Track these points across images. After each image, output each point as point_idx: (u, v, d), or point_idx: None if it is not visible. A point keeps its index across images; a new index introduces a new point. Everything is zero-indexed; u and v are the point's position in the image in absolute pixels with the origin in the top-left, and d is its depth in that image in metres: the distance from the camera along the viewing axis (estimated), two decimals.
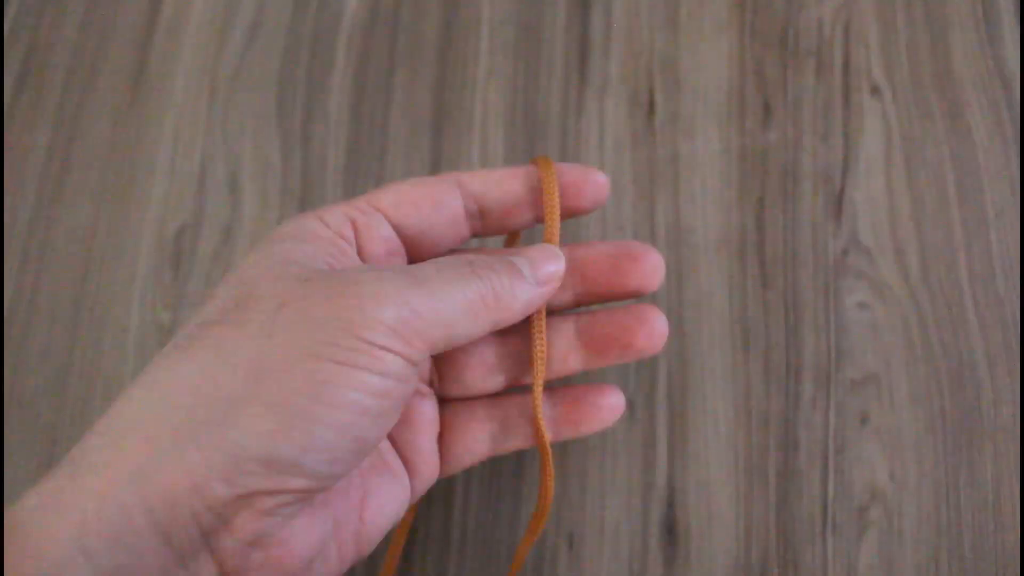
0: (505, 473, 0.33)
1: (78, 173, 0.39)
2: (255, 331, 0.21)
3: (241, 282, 0.23)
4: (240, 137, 0.39)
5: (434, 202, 0.27)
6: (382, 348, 0.21)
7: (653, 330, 0.28)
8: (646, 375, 0.34)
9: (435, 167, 0.38)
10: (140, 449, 0.20)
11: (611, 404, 0.29)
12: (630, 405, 0.33)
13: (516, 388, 0.30)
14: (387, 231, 0.27)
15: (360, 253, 0.26)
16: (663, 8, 0.39)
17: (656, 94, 0.38)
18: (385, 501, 0.26)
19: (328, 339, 0.21)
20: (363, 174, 0.38)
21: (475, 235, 0.29)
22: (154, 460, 0.20)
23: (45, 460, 0.34)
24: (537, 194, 0.28)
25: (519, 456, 0.33)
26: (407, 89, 0.39)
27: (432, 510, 0.33)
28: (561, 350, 0.29)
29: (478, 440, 0.29)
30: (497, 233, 0.29)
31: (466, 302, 0.23)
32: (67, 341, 0.36)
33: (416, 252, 0.28)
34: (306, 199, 0.37)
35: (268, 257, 0.24)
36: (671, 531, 0.32)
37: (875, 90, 0.37)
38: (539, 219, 0.29)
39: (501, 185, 0.28)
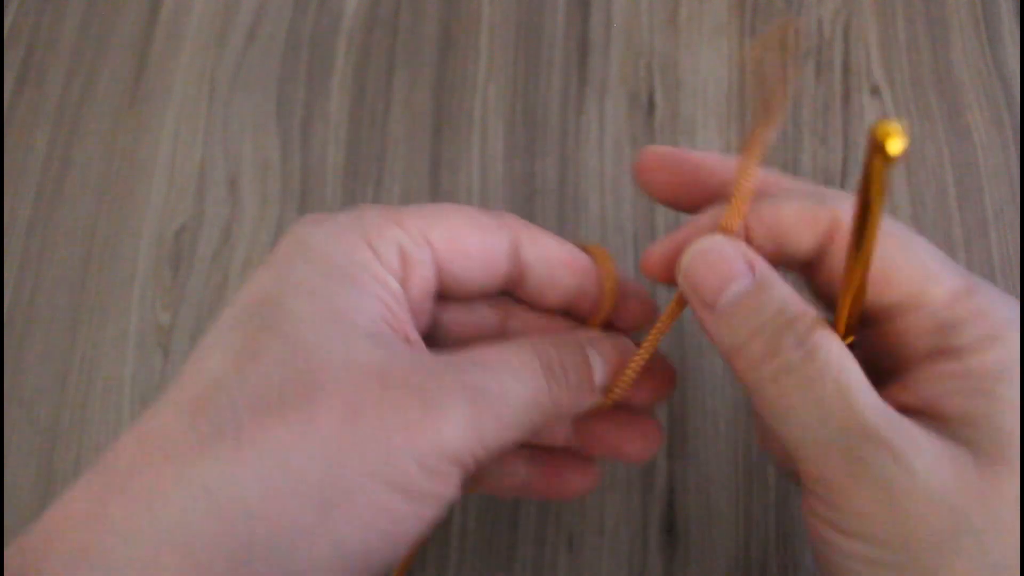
0: None
1: (78, 173, 0.39)
2: (323, 446, 0.19)
3: (298, 350, 0.20)
4: (240, 137, 0.39)
5: (487, 259, 0.24)
6: (446, 481, 0.21)
7: (647, 442, 0.26)
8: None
9: (435, 167, 0.38)
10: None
11: (585, 480, 0.27)
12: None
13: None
14: (429, 272, 0.23)
15: (403, 288, 0.23)
16: (663, 8, 0.39)
17: (656, 94, 0.38)
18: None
19: (402, 470, 0.19)
20: (363, 174, 0.38)
21: (504, 292, 0.26)
22: None
23: (45, 460, 0.34)
24: (584, 291, 0.25)
25: None
26: (407, 89, 0.39)
27: None
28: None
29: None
30: (527, 301, 0.26)
31: (530, 421, 0.22)
32: (67, 341, 0.36)
33: (444, 291, 0.25)
34: (306, 199, 0.37)
35: (329, 318, 0.20)
36: (671, 531, 0.32)
37: (875, 90, 0.37)
38: (573, 310, 0.26)
39: (555, 269, 0.24)
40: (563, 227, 0.36)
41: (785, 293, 0.21)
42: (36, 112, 0.40)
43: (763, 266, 0.21)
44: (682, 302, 0.23)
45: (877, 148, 0.16)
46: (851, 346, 0.21)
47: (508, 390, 0.21)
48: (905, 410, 0.20)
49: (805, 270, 0.23)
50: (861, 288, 0.20)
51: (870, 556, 0.19)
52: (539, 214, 0.36)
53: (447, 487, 0.21)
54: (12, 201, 0.38)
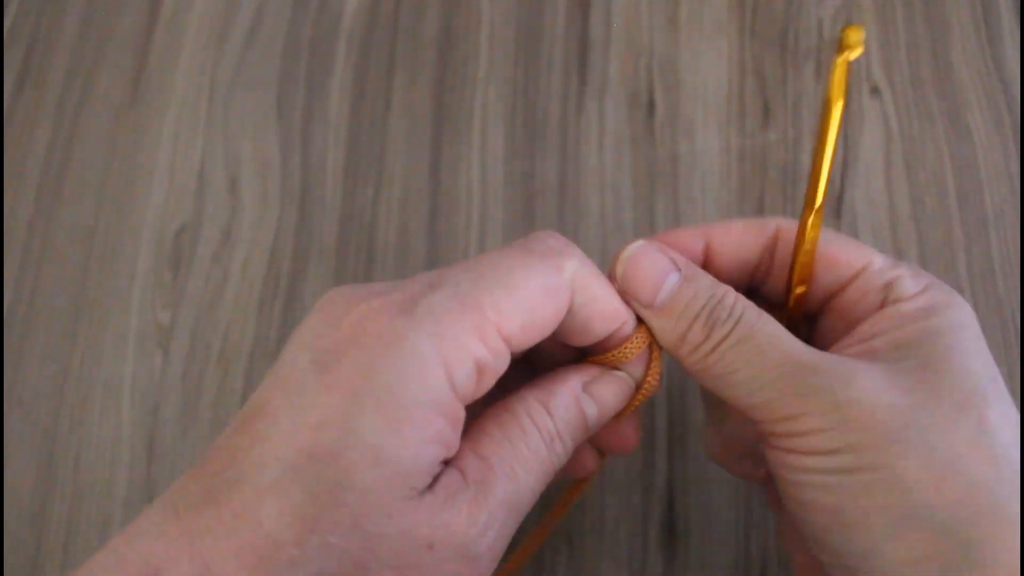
0: None
1: (78, 173, 0.39)
2: None
3: (356, 526, 0.19)
4: (240, 137, 0.39)
5: (551, 324, 0.23)
6: None
7: (624, 443, 0.27)
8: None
9: (435, 167, 0.37)
10: None
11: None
12: None
13: None
14: (503, 369, 0.22)
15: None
16: (663, 8, 0.39)
17: (656, 94, 0.38)
18: None
19: None
20: (363, 174, 0.38)
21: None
22: None
23: (45, 460, 0.34)
24: (608, 339, 0.24)
25: None
26: (407, 89, 0.39)
27: None
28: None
29: None
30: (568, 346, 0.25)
31: (540, 488, 0.23)
32: (67, 341, 0.36)
33: None
34: (306, 199, 0.37)
35: (387, 474, 0.20)
36: (671, 531, 0.32)
37: (875, 90, 0.37)
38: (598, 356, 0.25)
39: (595, 321, 0.24)
40: (563, 227, 0.36)
41: (709, 280, 0.24)
42: (36, 112, 0.40)
43: (684, 261, 0.24)
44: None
45: (842, 48, 0.22)
46: (805, 318, 0.26)
47: (526, 491, 0.22)
48: (849, 350, 0.23)
49: (756, 276, 0.27)
50: (814, 193, 0.24)
51: (828, 466, 0.21)
52: (539, 214, 0.36)
53: None
54: (12, 201, 0.38)
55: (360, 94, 0.39)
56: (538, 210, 0.36)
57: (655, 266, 0.24)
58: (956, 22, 0.37)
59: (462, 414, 0.21)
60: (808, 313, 0.26)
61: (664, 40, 0.38)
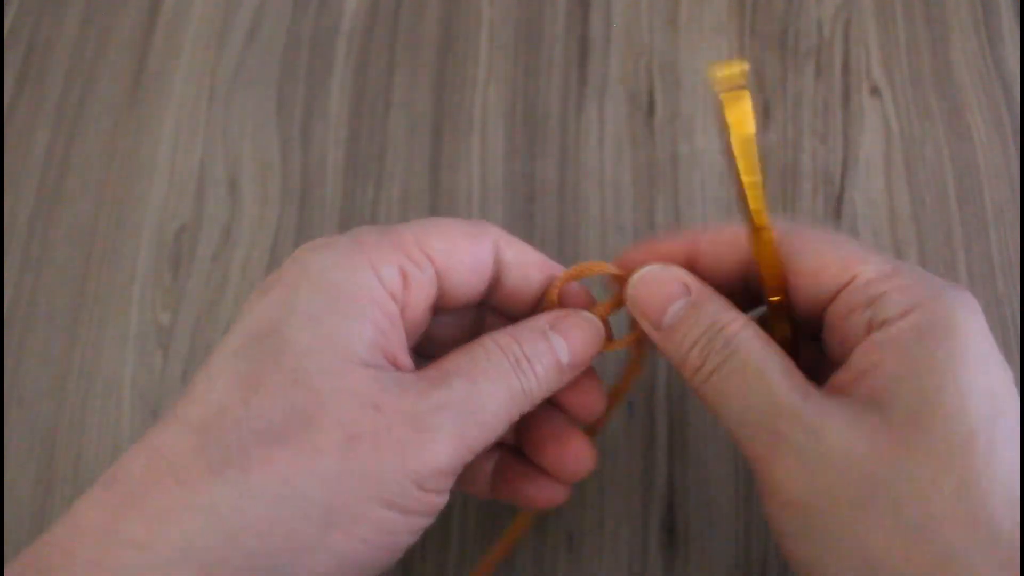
0: None
1: (78, 173, 0.39)
2: (324, 471, 0.20)
3: (300, 380, 0.21)
4: (240, 137, 0.39)
5: (480, 265, 0.25)
6: (437, 492, 0.22)
7: (578, 460, 0.27)
8: (646, 376, 0.34)
9: (435, 167, 0.37)
10: None
11: (542, 490, 0.27)
12: (630, 405, 0.33)
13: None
14: (432, 287, 0.25)
15: (402, 311, 0.25)
16: (663, 8, 0.39)
17: (656, 94, 0.38)
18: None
19: (397, 488, 0.21)
20: (363, 174, 0.38)
21: (481, 301, 0.27)
22: None
23: (45, 460, 0.34)
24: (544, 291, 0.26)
25: None
26: (407, 89, 0.39)
27: None
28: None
29: (480, 476, 0.28)
30: (499, 309, 0.27)
31: (508, 417, 0.23)
32: (67, 342, 0.36)
33: (438, 304, 0.26)
34: (306, 199, 0.37)
35: (328, 348, 0.22)
36: (671, 531, 0.32)
37: (875, 90, 0.37)
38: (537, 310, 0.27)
39: (529, 268, 0.26)
40: (563, 227, 0.36)
41: (717, 306, 0.24)
42: (36, 112, 0.40)
43: (698, 286, 0.24)
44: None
45: (718, 85, 0.21)
46: (796, 339, 0.25)
47: (487, 398, 0.23)
48: (844, 387, 0.22)
49: (751, 280, 0.26)
50: (752, 193, 0.23)
51: (798, 525, 0.21)
52: (539, 214, 0.36)
53: (441, 497, 0.23)
54: (12, 201, 0.38)
55: (360, 94, 0.39)
56: (538, 210, 0.36)
57: (662, 290, 0.24)
58: (956, 22, 0.37)
59: (394, 308, 0.23)
60: (810, 328, 0.25)
61: (664, 40, 0.38)
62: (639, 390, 0.33)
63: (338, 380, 0.21)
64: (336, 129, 0.39)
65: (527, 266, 0.26)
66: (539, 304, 0.27)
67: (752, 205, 0.23)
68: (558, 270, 0.27)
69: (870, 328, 0.22)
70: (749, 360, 0.23)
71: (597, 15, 0.39)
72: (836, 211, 0.35)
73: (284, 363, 0.21)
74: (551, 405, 0.27)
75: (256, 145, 0.39)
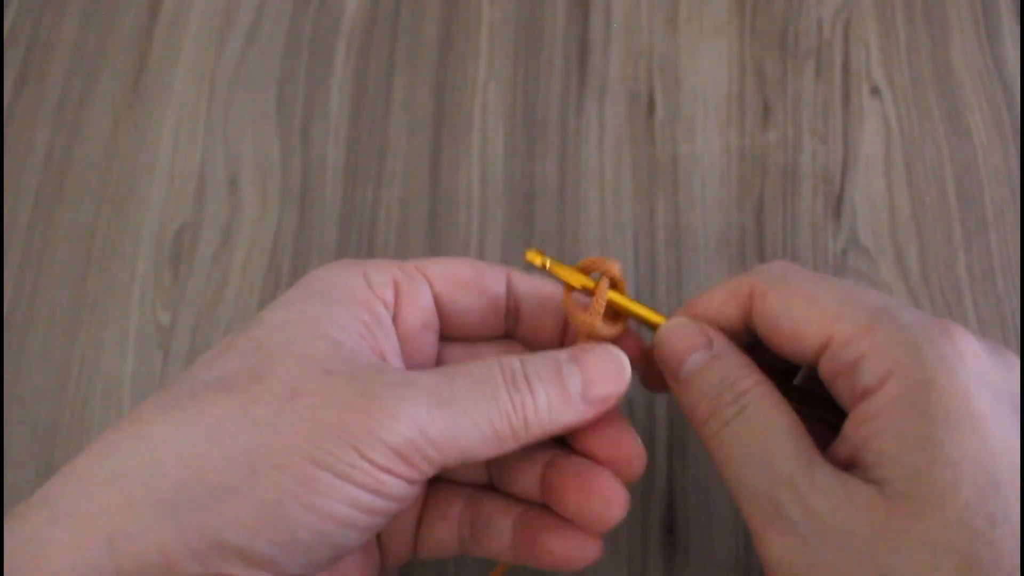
0: None
1: (78, 173, 0.39)
2: (261, 417, 0.21)
3: (262, 345, 0.22)
4: (240, 137, 0.39)
5: (481, 287, 0.26)
6: (383, 469, 0.21)
7: (608, 505, 0.24)
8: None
9: (435, 167, 0.37)
10: (120, 510, 0.20)
11: (568, 547, 0.25)
12: (630, 405, 0.33)
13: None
14: (427, 302, 0.26)
15: (395, 319, 0.25)
16: (663, 8, 0.39)
17: (656, 94, 0.38)
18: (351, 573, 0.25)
19: (331, 448, 0.21)
20: (363, 174, 0.38)
21: (507, 336, 0.28)
22: (131, 526, 0.20)
23: (45, 460, 0.34)
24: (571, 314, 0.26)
25: None
26: (407, 89, 0.39)
27: None
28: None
29: (448, 538, 0.27)
30: (524, 341, 0.28)
31: (491, 428, 0.22)
32: (67, 341, 0.36)
33: (449, 329, 0.27)
34: (306, 199, 0.37)
35: (298, 322, 0.23)
36: (671, 531, 0.32)
37: (875, 90, 0.37)
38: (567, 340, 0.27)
39: (546, 301, 0.27)
40: (563, 227, 0.36)
41: (734, 363, 0.24)
42: (36, 112, 0.40)
43: (721, 342, 0.25)
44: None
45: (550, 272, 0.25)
46: (809, 401, 0.25)
47: (463, 397, 0.22)
48: (841, 460, 0.22)
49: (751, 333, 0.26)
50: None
51: None
52: (539, 214, 0.36)
53: (396, 480, 0.21)
54: (12, 201, 0.38)
55: (360, 94, 0.39)
56: (538, 210, 0.36)
57: (682, 343, 0.25)
58: (956, 22, 0.37)
59: (381, 310, 0.25)
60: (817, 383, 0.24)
61: (664, 40, 0.38)
62: (639, 390, 0.33)
63: (296, 346, 0.22)
64: (336, 129, 0.39)
65: (545, 298, 0.27)
66: (566, 339, 0.27)
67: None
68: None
69: (854, 395, 0.22)
70: (755, 419, 0.23)
71: (597, 15, 0.39)
72: (836, 211, 0.35)
73: (251, 333, 0.23)
74: (579, 455, 0.25)
75: (256, 145, 0.39)
